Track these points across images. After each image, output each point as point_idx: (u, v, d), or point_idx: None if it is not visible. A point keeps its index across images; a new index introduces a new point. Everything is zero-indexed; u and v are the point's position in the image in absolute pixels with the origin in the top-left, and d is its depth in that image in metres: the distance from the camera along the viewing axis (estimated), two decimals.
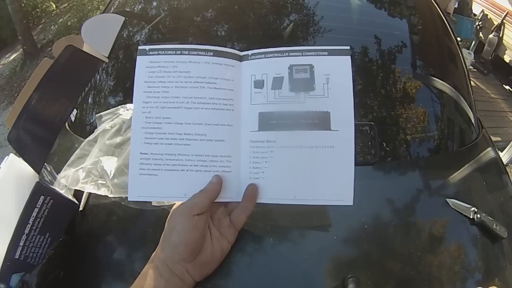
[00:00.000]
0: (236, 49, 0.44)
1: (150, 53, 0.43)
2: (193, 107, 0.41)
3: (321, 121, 0.41)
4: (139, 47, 0.43)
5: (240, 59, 0.44)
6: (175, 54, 0.42)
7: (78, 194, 0.53)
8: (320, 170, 0.41)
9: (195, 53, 0.42)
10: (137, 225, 0.51)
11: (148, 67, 0.42)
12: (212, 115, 0.42)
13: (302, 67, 0.42)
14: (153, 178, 0.41)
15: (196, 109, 0.41)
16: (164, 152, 0.41)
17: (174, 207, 0.41)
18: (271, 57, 0.43)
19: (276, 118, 0.42)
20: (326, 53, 0.42)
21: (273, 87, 0.42)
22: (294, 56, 0.42)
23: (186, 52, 0.42)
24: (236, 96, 0.43)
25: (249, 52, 0.44)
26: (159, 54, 0.42)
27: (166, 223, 0.40)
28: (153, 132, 0.41)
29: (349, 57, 0.42)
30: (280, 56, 0.42)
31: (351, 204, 0.40)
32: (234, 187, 0.42)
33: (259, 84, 0.43)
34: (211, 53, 0.42)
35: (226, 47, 0.44)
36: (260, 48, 0.44)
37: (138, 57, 0.43)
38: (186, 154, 0.41)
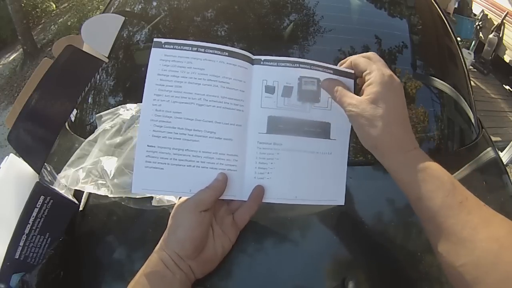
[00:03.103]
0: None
1: (166, 46, 0.42)
2: (205, 104, 0.42)
3: (322, 130, 0.44)
4: (155, 39, 0.43)
5: (252, 62, 0.45)
6: (191, 50, 0.42)
7: (78, 194, 0.53)
8: (318, 173, 0.44)
9: (211, 51, 0.43)
10: (137, 225, 0.51)
11: (163, 60, 0.42)
12: (223, 114, 0.42)
13: (311, 79, 0.44)
14: (158, 172, 0.41)
15: (207, 106, 0.42)
16: (172, 147, 0.41)
17: (178, 202, 0.41)
18: (283, 66, 0.44)
19: (284, 123, 0.43)
20: (332, 72, 0.44)
21: (283, 95, 0.44)
22: (304, 68, 0.44)
23: (202, 50, 0.42)
24: (246, 98, 0.44)
25: (262, 58, 0.45)
26: (175, 49, 0.42)
27: (171, 218, 0.40)
28: (162, 126, 0.41)
29: (353, 80, 0.43)
30: (291, 67, 0.44)
31: (343, 204, 0.45)
32: (238, 186, 0.43)
33: (270, 89, 0.44)
34: (226, 53, 0.43)
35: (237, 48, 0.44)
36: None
37: (152, 49, 0.42)
38: (194, 150, 0.41)
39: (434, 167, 0.35)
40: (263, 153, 0.43)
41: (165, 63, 0.42)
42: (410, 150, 0.37)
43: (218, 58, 0.43)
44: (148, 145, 0.41)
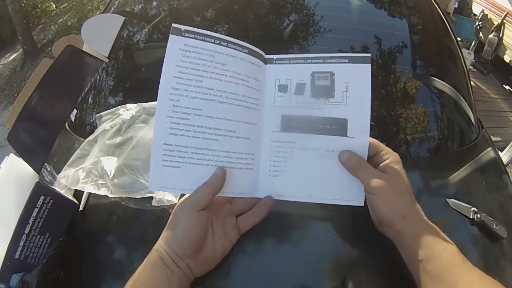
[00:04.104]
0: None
1: (186, 34, 0.39)
2: (226, 102, 0.40)
3: (339, 128, 0.42)
4: (173, 25, 0.39)
5: (265, 61, 0.44)
6: (214, 43, 0.40)
7: (78, 194, 0.53)
8: (335, 172, 0.43)
9: (233, 46, 0.41)
10: (137, 225, 0.51)
11: (182, 50, 0.39)
12: (243, 113, 0.42)
13: (324, 74, 0.43)
14: (176, 171, 0.39)
15: (229, 104, 0.40)
16: (190, 145, 0.39)
17: (179, 202, 0.41)
18: (295, 63, 0.44)
19: (297, 121, 0.43)
20: (347, 60, 0.42)
21: (296, 92, 0.43)
22: (317, 63, 0.43)
23: (225, 44, 0.40)
24: (261, 97, 0.43)
25: (274, 56, 0.44)
26: (196, 39, 0.39)
27: (170, 217, 0.40)
28: (179, 123, 0.39)
29: (369, 65, 0.42)
30: (303, 63, 0.43)
31: (362, 205, 0.42)
32: (253, 184, 0.43)
33: (283, 88, 0.44)
34: (246, 51, 0.42)
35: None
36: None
37: (171, 35, 0.39)
38: (213, 149, 0.40)
39: (437, 227, 0.41)
40: (277, 152, 0.43)
41: (185, 53, 0.39)
42: (423, 215, 0.41)
43: (239, 55, 0.41)
44: (164, 143, 0.39)
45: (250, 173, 0.43)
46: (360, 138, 0.42)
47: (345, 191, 0.43)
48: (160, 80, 0.39)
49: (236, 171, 0.42)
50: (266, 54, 0.44)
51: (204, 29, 0.41)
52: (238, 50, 0.41)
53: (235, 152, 0.41)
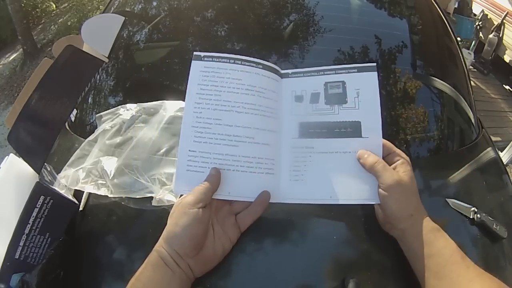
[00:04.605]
0: (255, 57, 0.47)
1: (205, 59, 0.46)
2: (243, 112, 0.45)
3: (353, 130, 0.45)
4: (195, 53, 0.47)
5: (281, 76, 0.49)
6: (229, 62, 0.46)
7: (78, 194, 0.53)
8: (352, 173, 0.45)
9: (247, 64, 0.46)
10: (137, 225, 0.51)
11: (202, 71, 0.46)
12: (260, 121, 0.45)
13: (336, 83, 0.47)
14: (199, 175, 0.43)
15: (246, 113, 0.45)
16: (213, 151, 0.43)
17: (177, 201, 0.42)
18: (309, 75, 0.48)
19: (314, 128, 0.46)
20: (356, 70, 0.46)
21: (311, 101, 0.47)
22: (329, 74, 0.47)
23: (239, 62, 0.46)
24: (278, 107, 0.47)
25: (289, 71, 0.49)
26: (213, 61, 0.46)
27: (170, 217, 0.40)
28: (202, 132, 0.44)
29: (376, 72, 0.46)
30: (316, 75, 0.48)
31: (379, 202, 0.44)
32: (275, 189, 0.45)
33: (299, 98, 0.48)
34: (261, 66, 0.47)
35: (246, 55, 0.47)
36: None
37: (193, 61, 0.46)
38: (233, 154, 0.44)
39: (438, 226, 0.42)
40: (296, 157, 0.46)
41: (205, 74, 0.45)
42: (427, 215, 0.43)
43: (253, 70, 0.46)
44: (189, 150, 0.43)
45: (271, 178, 0.45)
46: (373, 138, 0.45)
47: (362, 191, 0.44)
48: (185, 96, 0.45)
49: (257, 175, 0.44)
50: (282, 70, 0.49)
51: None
52: (252, 66, 0.46)
53: (255, 157, 0.44)
